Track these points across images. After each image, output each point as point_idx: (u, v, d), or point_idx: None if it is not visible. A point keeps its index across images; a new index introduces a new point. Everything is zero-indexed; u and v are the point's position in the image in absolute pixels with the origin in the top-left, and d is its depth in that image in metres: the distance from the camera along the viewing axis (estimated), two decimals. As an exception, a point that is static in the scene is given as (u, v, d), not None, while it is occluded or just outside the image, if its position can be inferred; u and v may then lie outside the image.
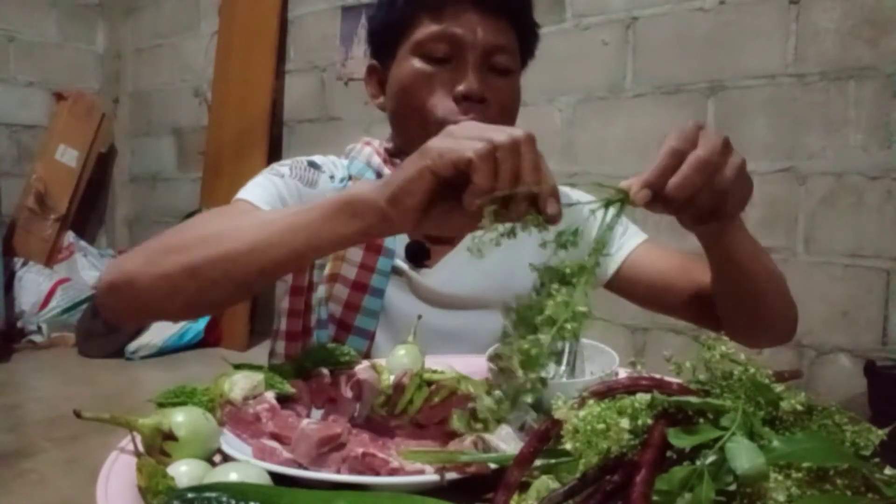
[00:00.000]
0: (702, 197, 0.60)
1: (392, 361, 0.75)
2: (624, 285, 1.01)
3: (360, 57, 3.26)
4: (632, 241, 1.03)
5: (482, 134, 0.56)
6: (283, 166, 0.96)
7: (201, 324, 3.57)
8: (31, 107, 4.21)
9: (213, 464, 0.54)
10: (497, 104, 0.88)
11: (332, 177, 0.97)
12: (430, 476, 0.50)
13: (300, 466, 0.53)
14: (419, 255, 0.95)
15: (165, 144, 4.29)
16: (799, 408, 0.44)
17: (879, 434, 0.43)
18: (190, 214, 3.87)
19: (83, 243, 4.18)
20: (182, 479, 0.49)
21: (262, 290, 0.78)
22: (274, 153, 3.61)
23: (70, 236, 4.12)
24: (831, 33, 2.03)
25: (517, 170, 0.55)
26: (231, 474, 0.48)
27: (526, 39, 0.94)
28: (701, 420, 0.43)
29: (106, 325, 3.57)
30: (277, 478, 0.50)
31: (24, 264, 3.82)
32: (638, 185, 0.58)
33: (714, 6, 2.23)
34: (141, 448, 0.53)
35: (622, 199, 0.55)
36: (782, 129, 2.12)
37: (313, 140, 3.48)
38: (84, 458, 2.11)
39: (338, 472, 0.52)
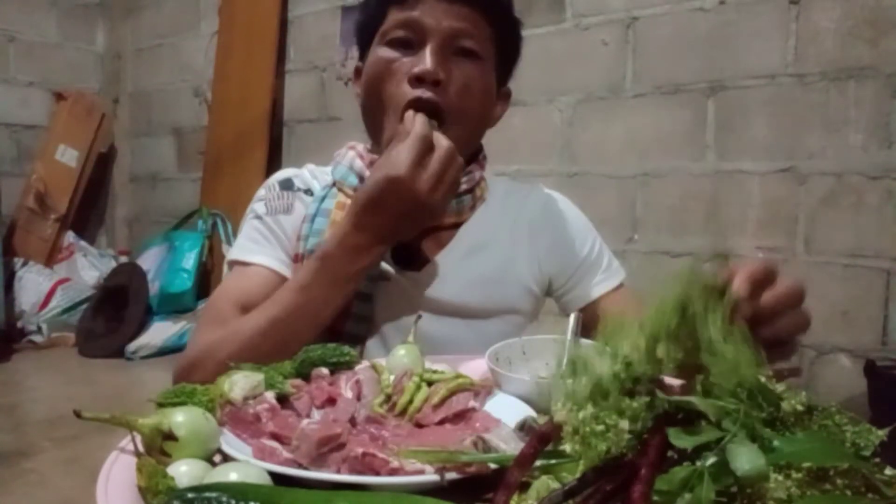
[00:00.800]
0: (782, 321, 0.61)
1: (392, 361, 0.75)
2: (585, 320, 0.99)
3: (360, 57, 3.26)
4: (609, 282, 1.01)
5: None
6: (258, 202, 0.99)
7: (201, 324, 3.57)
8: (31, 107, 4.21)
9: (213, 464, 0.54)
10: (455, 86, 0.87)
11: (307, 191, 0.99)
12: (430, 476, 0.50)
13: (300, 466, 0.53)
14: (407, 259, 0.95)
15: (165, 144, 4.30)
16: (799, 408, 0.44)
17: (879, 434, 0.43)
18: (190, 215, 3.88)
19: (83, 243, 4.18)
20: (182, 479, 0.49)
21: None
22: (274, 153, 3.61)
23: (70, 236, 4.12)
24: (831, 33, 2.03)
25: None
26: (231, 474, 0.48)
27: (501, 31, 0.92)
28: (702, 421, 0.43)
29: (106, 325, 3.58)
30: (277, 478, 0.50)
31: (24, 264, 3.82)
32: (741, 282, 0.56)
33: (714, 6, 2.23)
34: (141, 448, 0.53)
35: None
36: (782, 129, 2.12)
37: (313, 140, 3.49)
38: (84, 458, 2.11)
39: (338, 472, 0.52)
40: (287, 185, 0.99)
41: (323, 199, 0.95)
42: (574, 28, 2.55)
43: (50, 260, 4.00)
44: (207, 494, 0.44)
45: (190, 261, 3.63)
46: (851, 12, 2.00)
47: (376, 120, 0.92)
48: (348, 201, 0.91)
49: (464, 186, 0.94)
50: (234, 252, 0.96)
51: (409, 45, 0.88)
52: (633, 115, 2.41)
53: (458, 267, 0.95)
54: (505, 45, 0.94)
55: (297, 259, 0.93)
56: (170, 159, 4.28)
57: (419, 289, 0.94)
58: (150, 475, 0.48)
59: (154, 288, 3.62)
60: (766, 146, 2.15)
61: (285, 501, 0.45)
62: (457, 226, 0.97)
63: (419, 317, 0.84)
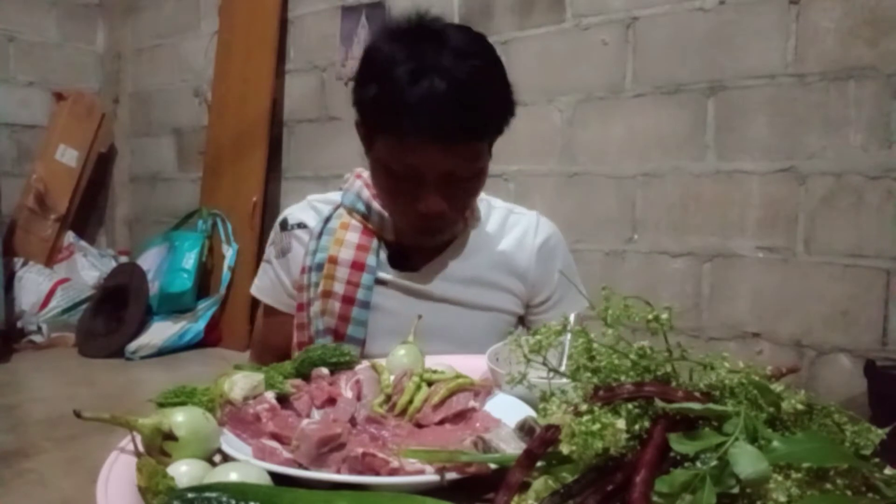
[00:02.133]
0: None
1: (392, 361, 0.76)
2: None
3: (359, 57, 3.26)
4: (570, 308, 1.07)
5: None
6: (270, 247, 1.14)
7: (201, 324, 3.57)
8: (31, 107, 4.21)
9: (213, 464, 0.54)
10: (458, 206, 0.97)
11: (299, 225, 1.10)
12: (430, 476, 0.50)
13: (300, 466, 0.53)
14: (403, 262, 1.06)
15: (165, 144, 4.29)
16: (799, 408, 0.44)
17: (879, 434, 0.44)
18: (190, 215, 3.88)
19: (83, 243, 4.18)
20: (182, 479, 0.49)
21: None
22: (274, 153, 3.61)
23: (70, 236, 4.12)
24: (831, 33, 2.03)
25: None
26: (231, 474, 0.48)
27: (497, 131, 0.97)
28: (703, 423, 0.43)
29: (106, 325, 3.58)
30: (277, 478, 0.50)
31: (24, 264, 3.81)
32: None
33: (714, 6, 2.23)
34: (141, 448, 0.53)
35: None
36: (782, 129, 2.12)
37: (313, 140, 3.49)
38: (84, 458, 2.11)
39: (338, 472, 0.52)
40: (283, 225, 1.12)
41: (328, 218, 1.07)
42: (574, 28, 2.55)
43: (50, 260, 4.00)
44: (207, 494, 0.44)
45: (190, 261, 3.63)
46: (851, 12, 1.99)
47: (384, 202, 1.02)
48: (353, 221, 1.05)
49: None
50: (255, 289, 1.16)
51: (410, 177, 0.92)
52: (633, 115, 2.41)
53: (451, 268, 1.06)
54: (501, 131, 0.98)
55: (303, 270, 1.06)
56: (170, 159, 4.28)
57: (416, 288, 1.04)
58: (150, 475, 0.48)
59: (154, 288, 3.62)
60: (766, 146, 2.15)
61: (285, 501, 0.45)
62: (453, 239, 1.08)
63: (419, 317, 0.84)
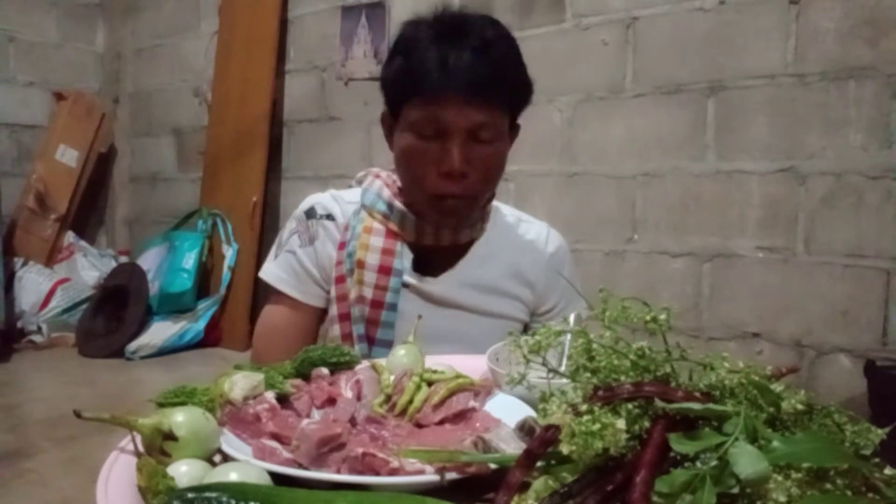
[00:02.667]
0: None
1: (392, 361, 0.76)
2: None
3: (360, 57, 3.26)
4: (569, 309, 1.14)
5: None
6: (292, 236, 1.12)
7: (201, 324, 3.57)
8: (31, 107, 4.21)
9: (213, 464, 0.54)
10: (478, 173, 1.00)
11: (328, 216, 1.12)
12: (430, 476, 0.50)
13: (300, 466, 0.53)
14: (425, 267, 1.09)
15: (165, 144, 4.29)
16: (799, 408, 0.44)
17: (879, 434, 0.44)
18: (190, 215, 3.88)
19: (83, 243, 4.18)
20: (182, 479, 0.49)
21: None
22: (274, 153, 3.60)
23: (70, 236, 4.12)
24: (831, 33, 2.03)
25: None
26: (231, 474, 0.48)
27: (515, 103, 1.04)
28: (703, 423, 0.43)
29: (106, 325, 3.58)
30: (277, 478, 0.50)
31: (24, 264, 3.81)
32: None
33: (714, 6, 2.23)
34: (141, 448, 0.53)
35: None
36: (782, 129, 2.12)
37: (313, 140, 3.48)
38: (84, 458, 2.11)
39: (338, 472, 0.52)
40: (311, 213, 1.13)
41: (353, 227, 1.09)
42: (574, 28, 2.55)
43: (50, 260, 4.00)
44: (207, 494, 0.44)
45: (190, 261, 3.63)
46: (851, 12, 1.99)
47: (409, 189, 1.06)
48: (375, 224, 1.07)
49: (475, 216, 1.10)
50: (275, 278, 1.12)
51: (436, 136, 0.98)
52: (633, 115, 2.41)
53: (469, 275, 1.10)
54: (518, 106, 1.05)
55: (341, 280, 1.08)
56: (170, 159, 4.28)
57: (434, 290, 1.08)
58: (150, 475, 0.48)
59: (154, 288, 3.62)
60: (766, 146, 2.15)
61: (285, 501, 0.45)
62: (470, 244, 1.12)
63: (419, 317, 0.85)
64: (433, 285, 1.08)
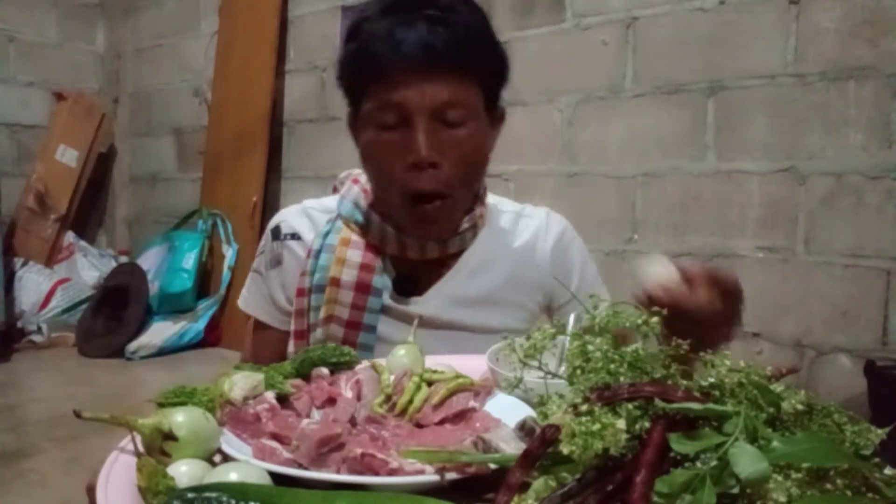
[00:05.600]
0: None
1: (392, 361, 0.75)
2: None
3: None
4: (594, 287, 1.05)
5: None
6: (259, 256, 1.05)
7: (201, 324, 3.57)
8: (31, 107, 4.21)
9: (213, 464, 0.54)
10: (451, 161, 0.88)
11: (293, 235, 1.01)
12: (430, 476, 0.50)
13: (300, 466, 0.53)
14: (408, 287, 0.98)
15: (165, 144, 4.29)
16: (799, 408, 0.44)
17: (879, 434, 0.43)
18: (190, 215, 3.88)
19: (83, 243, 4.18)
20: (182, 479, 0.49)
21: None
22: (274, 153, 3.61)
23: (70, 236, 4.12)
24: (831, 33, 2.03)
25: None
26: (231, 474, 0.48)
27: (484, 71, 0.91)
28: (703, 423, 0.43)
29: (106, 325, 3.58)
30: (277, 478, 0.50)
31: (24, 264, 3.82)
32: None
33: (714, 6, 2.23)
34: (141, 448, 0.53)
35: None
36: (782, 129, 2.12)
37: (313, 140, 3.49)
38: (84, 458, 2.11)
39: (338, 472, 0.52)
40: (276, 233, 1.03)
41: (327, 234, 0.98)
42: (574, 28, 2.55)
43: (50, 260, 4.00)
44: (207, 494, 0.44)
45: (190, 261, 3.63)
46: (851, 12, 1.99)
47: (377, 190, 0.96)
48: (353, 236, 0.96)
49: (465, 225, 0.98)
50: (242, 301, 1.08)
51: (398, 124, 0.87)
52: (633, 115, 2.41)
53: (460, 288, 0.98)
54: (491, 81, 0.93)
55: (301, 293, 0.98)
56: (170, 159, 4.28)
57: (421, 311, 0.95)
58: (150, 475, 0.48)
59: (154, 288, 3.62)
60: (766, 146, 2.15)
61: (285, 501, 0.45)
62: (461, 253, 1.00)
63: (420, 317, 0.84)
64: (418, 306, 0.96)
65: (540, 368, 0.57)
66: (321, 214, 1.02)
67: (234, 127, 3.69)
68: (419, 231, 0.94)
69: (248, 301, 1.06)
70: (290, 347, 1.01)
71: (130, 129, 4.51)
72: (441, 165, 0.87)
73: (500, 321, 0.97)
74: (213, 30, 3.90)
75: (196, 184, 3.99)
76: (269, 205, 3.60)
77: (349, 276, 0.94)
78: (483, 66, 0.90)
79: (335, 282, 0.95)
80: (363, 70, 0.89)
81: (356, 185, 1.01)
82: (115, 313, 3.56)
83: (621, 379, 0.46)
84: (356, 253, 0.95)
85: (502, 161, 2.63)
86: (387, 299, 0.96)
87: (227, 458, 0.54)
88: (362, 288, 0.95)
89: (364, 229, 0.97)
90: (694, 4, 2.27)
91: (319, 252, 0.97)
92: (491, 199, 1.05)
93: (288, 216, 1.04)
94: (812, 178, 2.08)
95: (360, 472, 0.51)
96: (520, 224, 1.05)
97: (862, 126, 1.99)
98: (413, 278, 0.98)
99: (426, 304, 0.97)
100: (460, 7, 0.88)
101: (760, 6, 2.14)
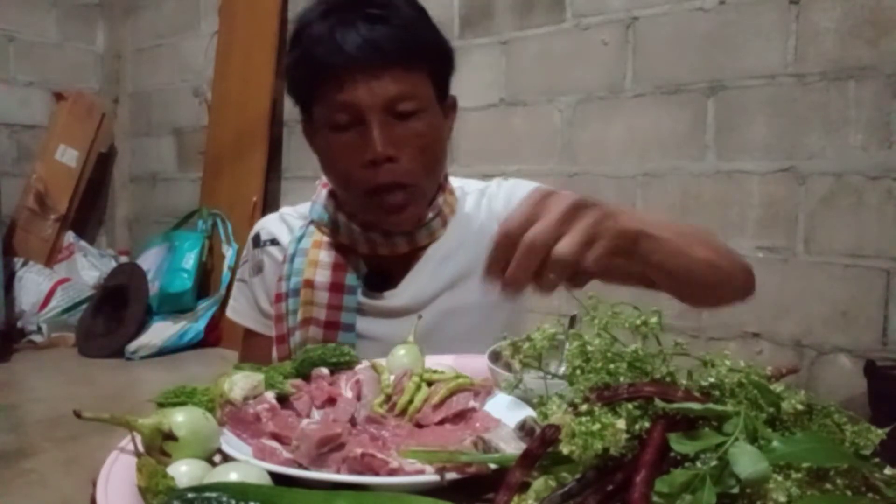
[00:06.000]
0: (555, 270, 0.60)
1: (392, 361, 0.75)
2: None
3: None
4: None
5: None
6: (243, 264, 1.08)
7: (201, 324, 3.57)
8: (31, 107, 4.21)
9: (213, 464, 0.54)
10: (409, 154, 0.89)
11: (272, 241, 1.04)
12: (430, 476, 0.50)
13: (300, 466, 0.53)
14: (382, 284, 0.99)
15: (165, 144, 4.29)
16: (799, 408, 0.44)
17: (879, 434, 0.44)
18: (190, 215, 3.88)
19: (83, 243, 4.18)
20: (182, 479, 0.49)
21: None
22: (274, 153, 3.61)
23: (70, 236, 4.12)
24: (831, 33, 2.03)
25: None
26: (231, 474, 0.48)
27: (431, 62, 0.92)
28: (703, 423, 0.43)
29: (106, 325, 3.58)
30: (277, 478, 0.50)
31: (24, 264, 3.82)
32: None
33: (714, 6, 2.23)
34: (141, 448, 0.53)
35: None
36: (782, 129, 2.12)
37: (313, 140, 3.48)
38: (84, 458, 2.11)
39: (338, 472, 0.52)
40: (256, 240, 1.06)
41: (300, 238, 1.00)
42: (574, 28, 2.55)
43: (50, 260, 4.00)
44: (207, 494, 0.44)
45: (190, 261, 3.63)
46: (851, 12, 1.99)
47: (340, 193, 0.98)
48: (324, 239, 0.99)
49: (430, 215, 0.99)
50: (231, 310, 1.10)
51: (351, 123, 0.88)
52: (633, 115, 2.41)
53: (432, 275, 0.99)
54: (438, 71, 0.94)
55: (279, 299, 0.99)
56: (170, 159, 4.28)
57: (397, 304, 0.98)
58: (150, 475, 0.48)
59: (154, 288, 3.62)
60: (766, 146, 2.15)
61: (285, 501, 0.45)
62: (431, 245, 1.01)
63: (419, 317, 0.84)
64: (393, 299, 0.98)
65: (540, 369, 0.57)
66: (296, 220, 1.05)
67: (234, 127, 3.69)
68: (387, 224, 0.95)
69: (237, 310, 1.08)
70: (274, 353, 1.01)
71: (130, 129, 4.51)
72: (398, 159, 0.88)
73: (477, 298, 0.95)
74: (213, 30, 3.90)
75: (196, 184, 3.99)
76: (269, 205, 3.60)
77: (322, 276, 0.96)
78: (428, 57, 0.91)
79: (309, 283, 0.96)
80: (309, 75, 0.90)
81: (325, 188, 1.03)
82: (115, 313, 3.56)
83: (621, 379, 0.46)
84: (328, 254, 0.97)
85: (502, 161, 2.63)
86: (361, 297, 0.97)
87: (227, 458, 0.54)
88: (336, 287, 0.96)
89: (334, 231, 0.98)
90: (694, 4, 2.27)
91: (294, 256, 0.99)
92: (457, 182, 1.06)
93: (267, 223, 1.07)
94: (812, 178, 2.08)
95: (360, 472, 0.51)
96: (482, 203, 1.05)
97: (862, 126, 1.99)
98: (386, 274, 0.99)
99: (400, 295, 0.98)
100: (398, 2, 0.89)
101: (760, 6, 2.14)
